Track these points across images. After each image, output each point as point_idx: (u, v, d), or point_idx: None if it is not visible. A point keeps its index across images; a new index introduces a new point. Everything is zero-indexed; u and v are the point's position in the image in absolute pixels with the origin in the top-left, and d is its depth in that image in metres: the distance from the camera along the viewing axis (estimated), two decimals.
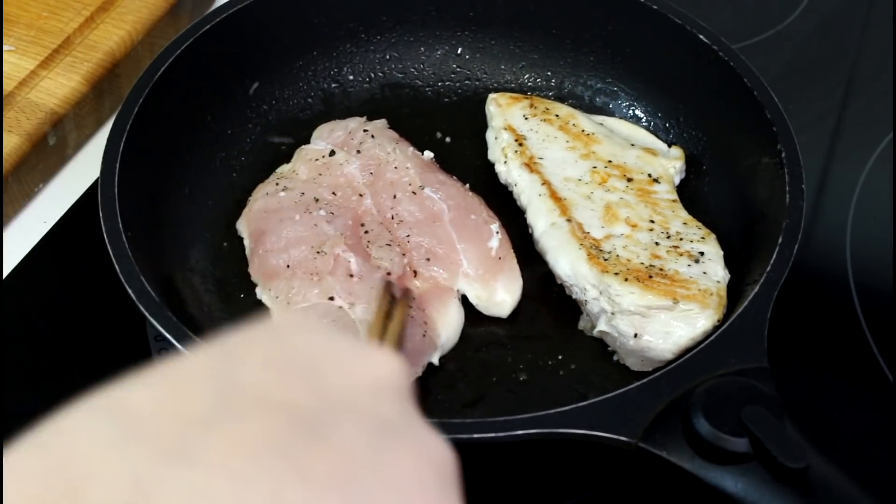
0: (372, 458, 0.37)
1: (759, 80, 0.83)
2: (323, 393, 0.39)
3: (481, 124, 0.92)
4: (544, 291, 0.82)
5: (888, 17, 1.10)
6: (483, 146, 0.91)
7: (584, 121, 0.89)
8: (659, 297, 0.74)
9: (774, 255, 0.72)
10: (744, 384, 0.62)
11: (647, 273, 0.76)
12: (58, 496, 0.31)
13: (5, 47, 0.92)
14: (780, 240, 0.73)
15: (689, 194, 0.87)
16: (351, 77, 0.97)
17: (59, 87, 0.90)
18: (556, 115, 0.89)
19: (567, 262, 0.78)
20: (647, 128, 0.93)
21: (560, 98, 0.96)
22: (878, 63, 1.06)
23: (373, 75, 0.97)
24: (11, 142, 0.85)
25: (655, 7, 0.90)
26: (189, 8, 1.01)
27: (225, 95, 0.89)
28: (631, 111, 0.94)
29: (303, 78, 0.95)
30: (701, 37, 0.87)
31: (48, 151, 0.88)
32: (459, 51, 0.98)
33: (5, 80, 0.89)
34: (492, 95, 0.92)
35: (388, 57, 0.98)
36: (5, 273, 0.83)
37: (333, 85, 0.96)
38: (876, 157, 0.97)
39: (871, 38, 1.09)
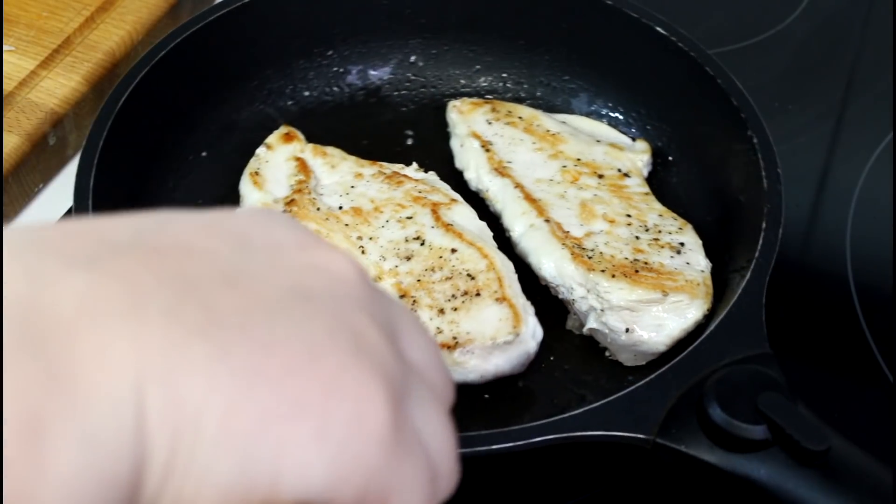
0: (283, 307, 0.34)
1: (721, 68, 0.84)
2: (249, 254, 0.36)
3: (443, 131, 0.92)
4: (528, 294, 0.80)
5: (888, 17, 1.10)
6: (449, 153, 0.90)
7: (547, 121, 0.89)
8: (648, 291, 0.75)
9: (761, 241, 0.72)
10: (753, 371, 0.63)
11: (633, 268, 0.76)
12: None
13: (5, 47, 0.91)
14: (763, 225, 0.73)
15: (658, 186, 0.87)
16: (306, 94, 0.95)
17: (59, 87, 0.89)
18: (520, 118, 0.89)
19: (551, 263, 0.78)
20: (608, 123, 0.93)
21: (518, 99, 0.96)
22: (878, 63, 1.07)
23: (328, 89, 0.96)
24: (11, 142, 0.85)
25: (610, 2, 0.89)
26: (189, 8, 1.01)
27: (184, 121, 0.88)
28: (591, 107, 0.94)
29: (258, 98, 0.93)
30: (658, 28, 0.87)
31: (48, 151, 0.88)
32: (413, 59, 0.97)
33: (5, 80, 0.88)
34: (452, 102, 0.91)
35: (341, 70, 0.96)
36: None
37: (290, 103, 0.95)
38: (876, 157, 0.97)
39: (871, 38, 1.10)
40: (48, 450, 0.27)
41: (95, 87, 0.91)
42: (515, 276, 0.77)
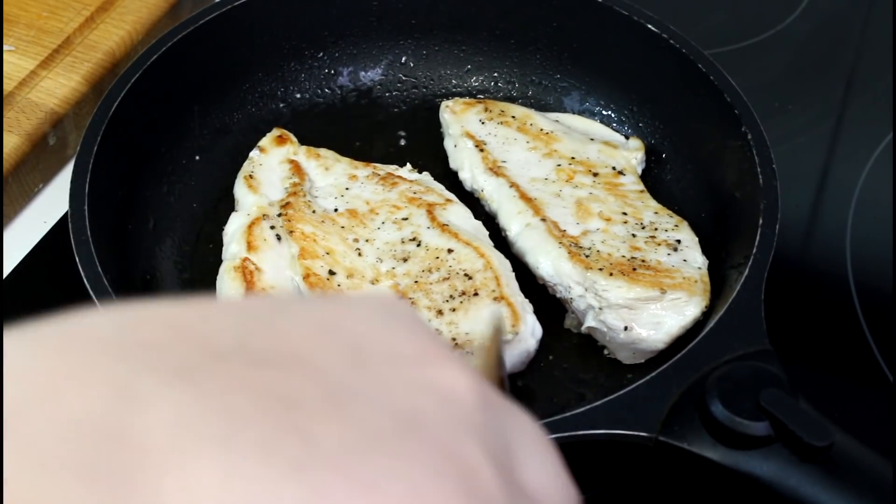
0: (389, 439, 0.31)
1: (714, 65, 0.84)
2: (362, 369, 0.33)
3: (436, 132, 0.92)
4: (525, 293, 0.80)
5: (888, 17, 1.10)
6: (442, 153, 0.90)
7: (540, 119, 0.89)
8: (646, 289, 0.75)
9: (758, 237, 0.72)
10: (754, 368, 0.63)
11: (631, 266, 0.76)
12: (30, 396, 0.27)
13: (5, 47, 0.91)
14: (760, 221, 0.73)
15: (652, 183, 0.88)
16: (298, 96, 0.95)
17: (59, 87, 0.90)
18: (513, 117, 0.89)
19: (549, 262, 0.78)
20: (601, 121, 0.93)
21: (510, 99, 0.96)
22: (878, 63, 1.07)
23: (319, 91, 0.96)
24: (11, 142, 0.85)
25: (601, 0, 0.89)
26: (189, 8, 1.01)
27: (177, 125, 0.88)
28: (583, 105, 0.94)
29: (250, 101, 0.93)
30: (649, 26, 0.87)
31: (48, 151, 0.89)
32: (403, 59, 0.97)
33: (5, 80, 0.89)
34: (445, 103, 0.91)
35: (332, 72, 0.96)
36: (5, 273, 0.83)
37: (281, 105, 0.95)
38: (876, 157, 0.97)
39: (871, 38, 1.10)
40: None
41: (95, 87, 0.91)
42: (513, 275, 0.77)
